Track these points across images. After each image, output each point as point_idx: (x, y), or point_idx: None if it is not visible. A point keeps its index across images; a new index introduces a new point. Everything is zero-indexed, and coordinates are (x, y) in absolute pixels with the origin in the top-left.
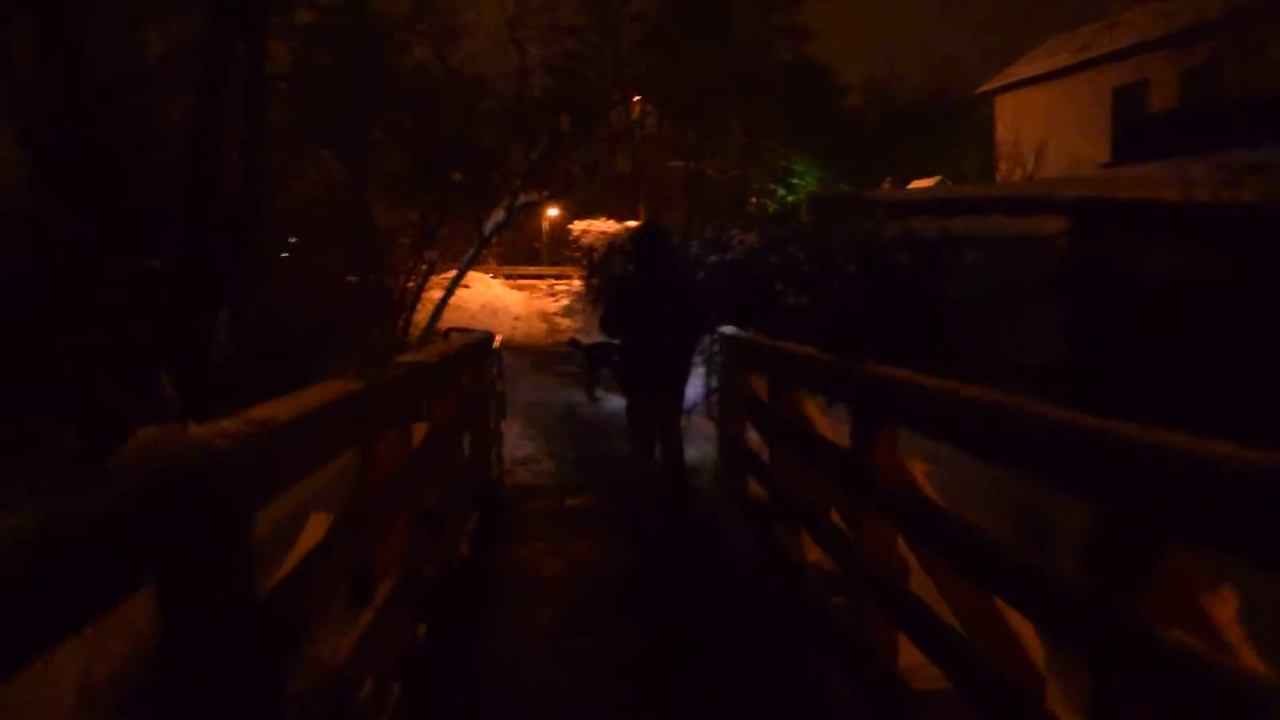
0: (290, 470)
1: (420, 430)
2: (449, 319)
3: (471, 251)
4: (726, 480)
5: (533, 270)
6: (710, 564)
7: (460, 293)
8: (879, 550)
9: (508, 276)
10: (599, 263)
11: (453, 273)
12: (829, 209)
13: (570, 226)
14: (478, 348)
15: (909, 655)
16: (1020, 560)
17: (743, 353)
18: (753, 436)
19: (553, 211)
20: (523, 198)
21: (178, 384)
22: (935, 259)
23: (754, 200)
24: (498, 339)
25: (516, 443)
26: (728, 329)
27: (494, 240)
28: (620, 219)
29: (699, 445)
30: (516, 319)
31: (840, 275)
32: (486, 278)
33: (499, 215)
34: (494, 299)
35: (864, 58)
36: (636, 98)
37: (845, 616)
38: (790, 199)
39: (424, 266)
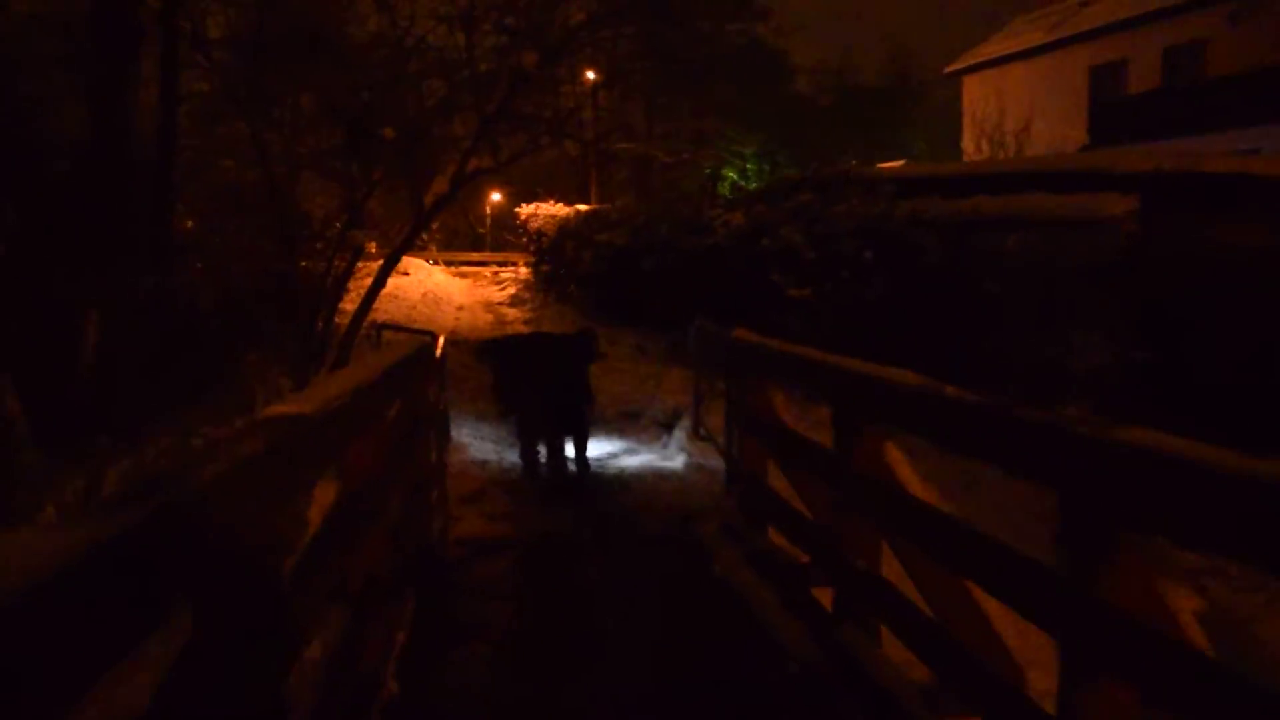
0: None
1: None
2: (387, 310)
3: (407, 230)
4: (739, 530)
5: (476, 257)
6: (745, 660)
7: (399, 281)
8: None
9: (449, 263)
10: (549, 248)
11: (409, 260)
12: (827, 187)
13: (517, 210)
14: (411, 363)
15: None
16: None
17: (764, 365)
18: (773, 470)
19: (496, 196)
20: (473, 163)
21: (31, 399)
22: (965, 245)
23: (711, 181)
24: (440, 339)
25: (463, 469)
26: (741, 333)
27: (435, 224)
28: (569, 202)
29: (691, 476)
30: (460, 309)
31: (852, 264)
32: (427, 265)
33: (442, 187)
34: (435, 288)
35: (814, 42)
36: (589, 73)
37: None
38: (741, 183)
39: (347, 253)
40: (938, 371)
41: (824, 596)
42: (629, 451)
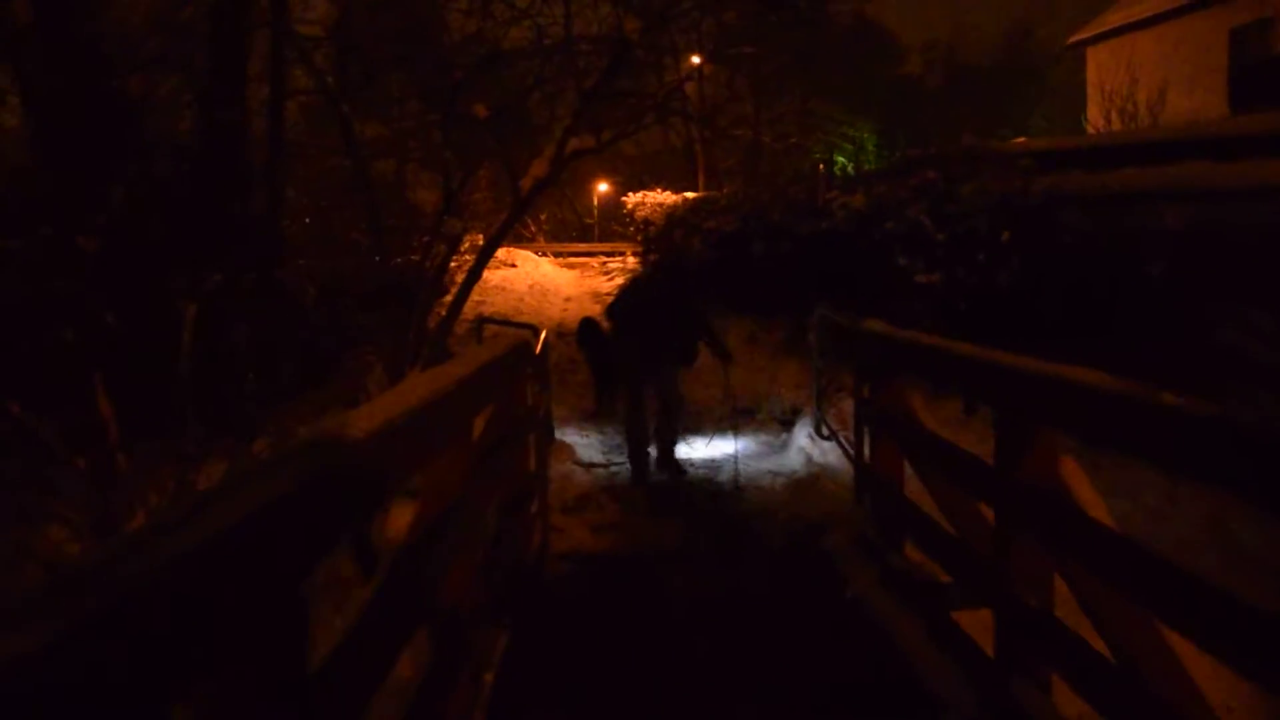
0: None
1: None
2: (494, 303)
3: (505, 217)
4: (873, 545)
5: (584, 247)
6: (893, 710)
7: (507, 273)
8: None
9: (557, 254)
10: (656, 236)
11: (505, 250)
12: (953, 164)
13: (624, 199)
14: (506, 363)
15: None
16: None
17: (902, 360)
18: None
19: (603, 186)
20: (573, 143)
21: (126, 403)
22: (1115, 221)
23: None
24: (543, 333)
25: (567, 474)
26: (875, 324)
27: (544, 215)
28: (676, 190)
29: (813, 478)
30: (568, 300)
31: (988, 245)
32: (534, 256)
33: (541, 170)
34: (542, 279)
35: (925, 21)
36: (695, 58)
37: None
38: (850, 167)
39: (443, 245)
40: (1088, 363)
41: (966, 620)
42: (745, 451)
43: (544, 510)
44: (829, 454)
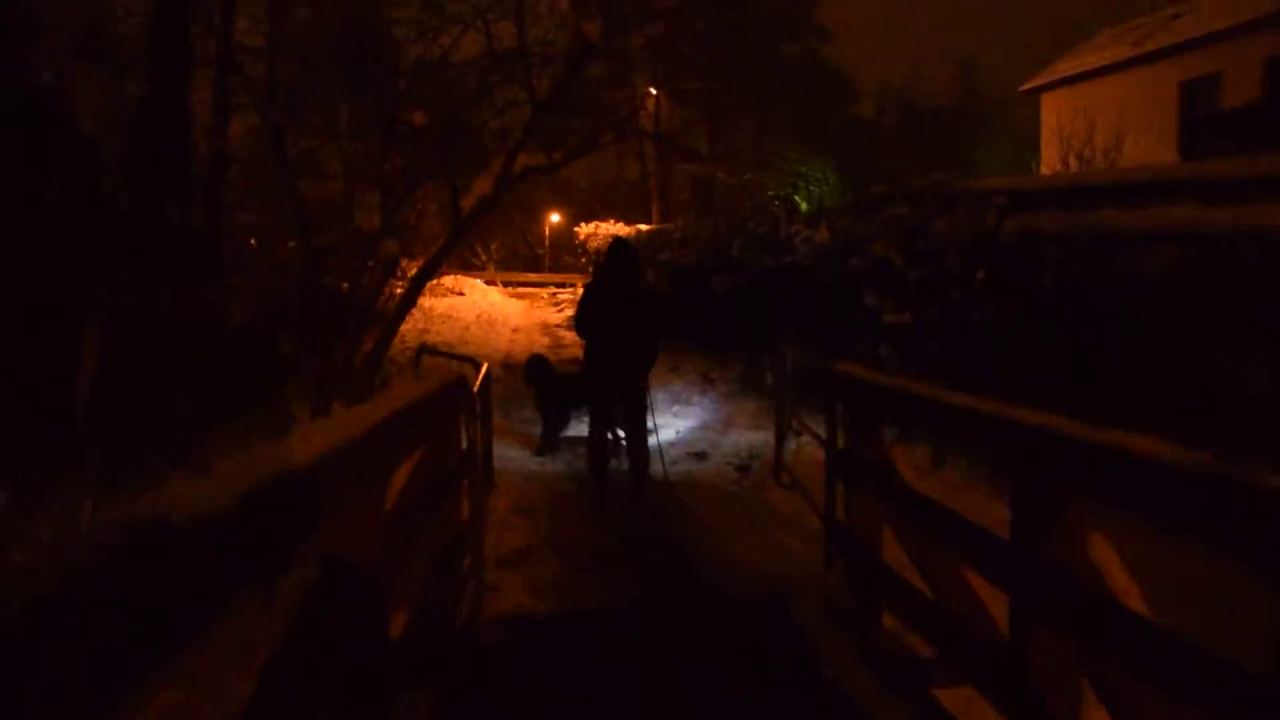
0: None
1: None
2: (439, 332)
3: (443, 240)
4: (847, 613)
5: (534, 277)
6: None
7: (454, 301)
8: None
9: (506, 284)
10: None
11: (453, 278)
12: (921, 200)
13: (576, 229)
14: (437, 402)
15: None
16: None
17: (883, 409)
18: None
19: (555, 217)
20: (522, 159)
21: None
22: (1096, 262)
23: (776, 203)
24: (484, 367)
25: (504, 521)
26: (853, 367)
27: (494, 245)
28: (630, 222)
29: (774, 530)
30: (515, 331)
31: (962, 284)
32: (482, 285)
33: (485, 189)
34: (490, 308)
35: (878, 62)
36: (650, 89)
37: None
38: (805, 207)
39: (371, 264)
40: (1077, 411)
41: (950, 698)
42: (698, 498)
43: (477, 566)
44: (788, 502)
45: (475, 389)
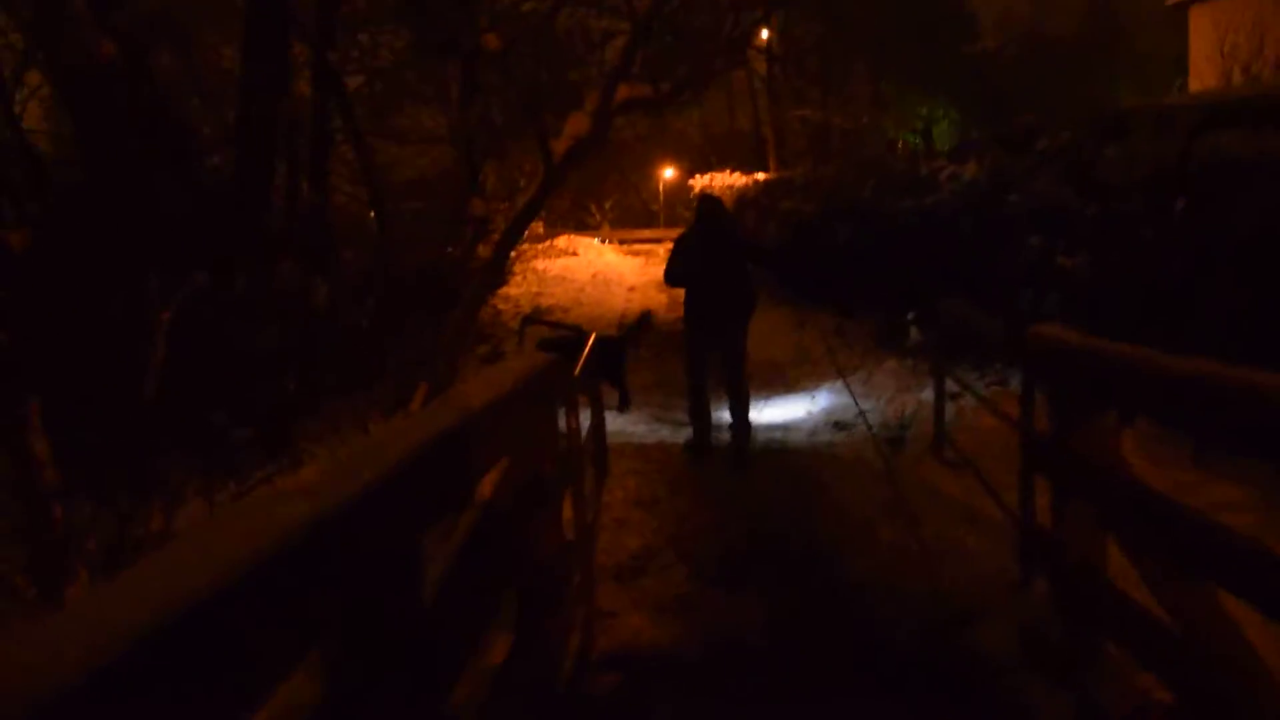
0: None
1: None
2: (554, 294)
3: (536, 189)
4: (1058, 649)
5: (649, 234)
6: None
7: (568, 262)
8: None
9: (621, 242)
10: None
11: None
12: (1095, 127)
13: (690, 182)
14: (524, 398)
15: None
16: None
17: (1109, 386)
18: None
19: (669, 172)
20: (623, 90)
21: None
22: None
23: (901, 143)
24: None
25: (620, 519)
26: (1056, 333)
27: (608, 204)
28: (747, 172)
29: (938, 520)
30: (631, 290)
31: (1155, 220)
32: (597, 244)
33: (581, 125)
34: (605, 268)
35: None
36: (764, 31)
37: None
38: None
39: (469, 230)
40: None
41: None
42: (844, 479)
43: (587, 585)
44: (949, 482)
45: (578, 369)
